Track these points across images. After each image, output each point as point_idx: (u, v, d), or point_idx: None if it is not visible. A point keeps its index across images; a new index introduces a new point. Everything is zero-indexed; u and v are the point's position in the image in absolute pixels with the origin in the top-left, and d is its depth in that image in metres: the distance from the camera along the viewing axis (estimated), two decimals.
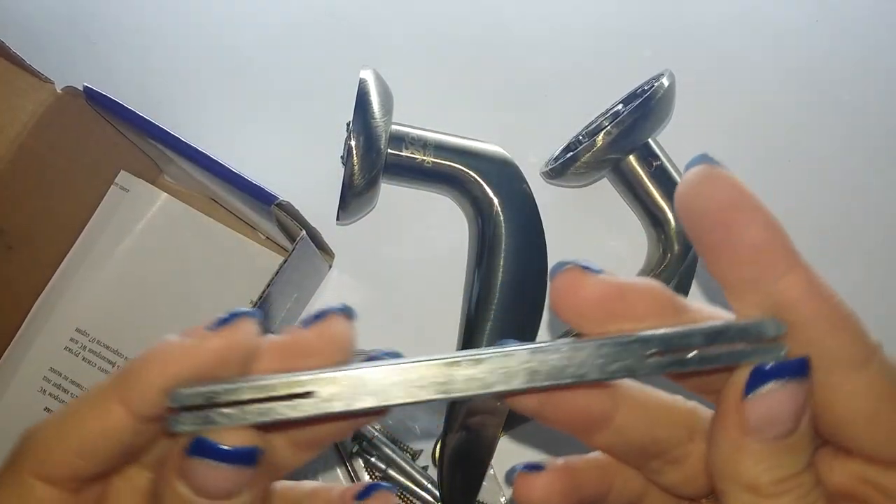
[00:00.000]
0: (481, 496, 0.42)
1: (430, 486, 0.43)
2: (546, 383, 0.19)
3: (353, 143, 0.41)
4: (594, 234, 0.48)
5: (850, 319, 0.20)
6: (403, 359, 0.20)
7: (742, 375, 0.19)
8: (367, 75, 0.43)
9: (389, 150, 0.43)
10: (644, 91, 0.44)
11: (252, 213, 0.43)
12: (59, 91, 0.42)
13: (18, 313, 0.47)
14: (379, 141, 0.42)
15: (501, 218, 0.43)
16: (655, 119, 0.43)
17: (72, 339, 0.47)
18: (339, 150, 0.45)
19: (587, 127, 0.47)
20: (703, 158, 0.20)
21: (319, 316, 0.21)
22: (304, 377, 0.19)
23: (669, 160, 0.45)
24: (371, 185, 0.42)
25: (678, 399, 0.22)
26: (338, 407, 0.19)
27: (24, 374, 0.47)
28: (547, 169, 0.46)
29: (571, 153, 0.44)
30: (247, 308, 0.21)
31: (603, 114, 0.47)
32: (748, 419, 0.19)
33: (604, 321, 0.20)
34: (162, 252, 0.48)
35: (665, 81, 0.43)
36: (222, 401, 0.19)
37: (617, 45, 0.51)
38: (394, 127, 0.43)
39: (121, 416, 0.19)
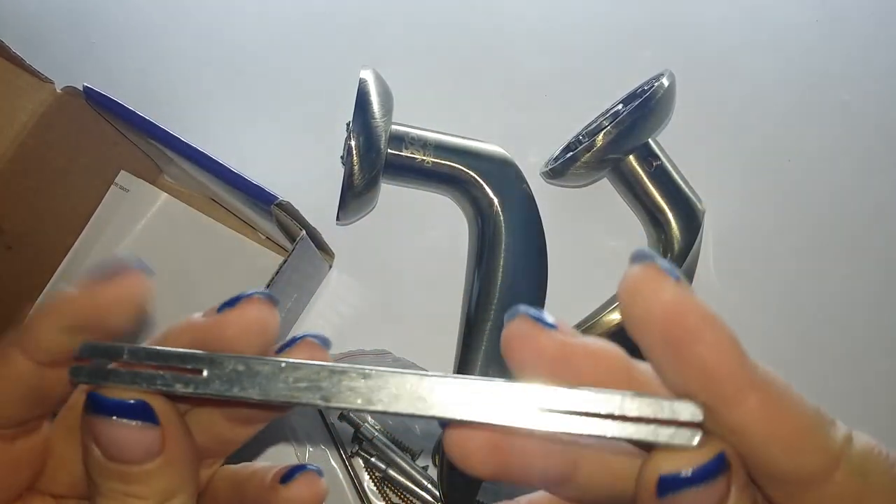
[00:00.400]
0: (481, 496, 0.42)
1: (430, 486, 0.43)
2: (431, 414, 0.19)
3: (353, 143, 0.41)
4: (594, 234, 0.48)
5: (810, 434, 0.18)
6: (299, 360, 0.19)
7: (653, 472, 0.18)
8: (367, 75, 0.43)
9: (389, 150, 0.43)
10: (644, 91, 0.44)
11: (252, 213, 0.43)
12: (59, 91, 0.42)
13: (18, 313, 0.47)
14: (379, 141, 0.42)
15: (501, 218, 0.43)
16: (655, 119, 0.43)
17: None
18: (339, 150, 0.45)
19: (587, 127, 0.47)
20: (642, 257, 0.18)
21: (236, 300, 0.21)
22: (198, 354, 0.19)
23: (669, 160, 0.45)
24: (371, 185, 0.42)
25: (640, 452, 0.21)
26: (217, 390, 0.19)
27: None
28: (547, 169, 0.46)
29: (571, 153, 0.44)
30: (132, 258, 0.21)
31: (603, 114, 0.47)
32: None
33: (548, 380, 0.19)
34: (162, 252, 0.48)
35: (665, 81, 0.43)
36: (121, 360, 0.19)
37: (617, 45, 0.51)
38: (394, 127, 0.43)
39: (20, 362, 0.20)
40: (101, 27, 0.52)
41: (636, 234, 0.47)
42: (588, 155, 0.43)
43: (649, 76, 0.46)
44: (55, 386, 0.21)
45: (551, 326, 0.19)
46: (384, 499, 0.43)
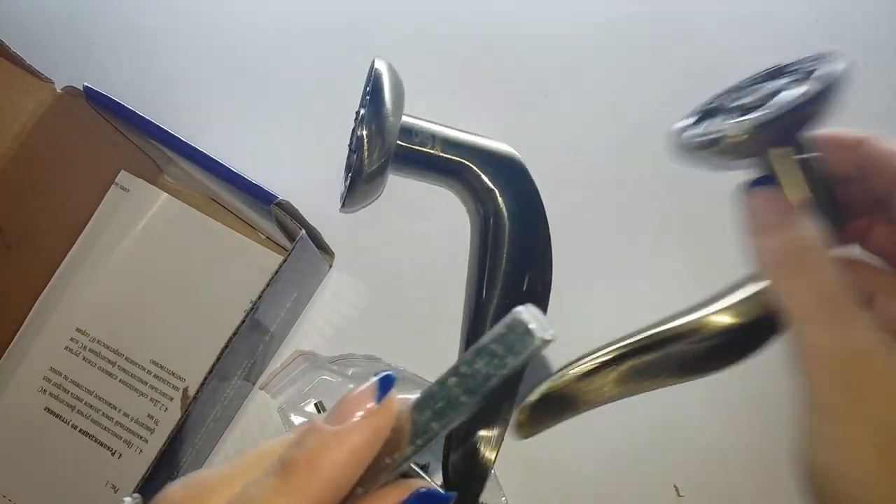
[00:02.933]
0: (481, 496, 0.42)
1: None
2: None
3: (364, 131, 0.41)
4: (595, 234, 0.48)
5: None
6: None
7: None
8: (381, 65, 0.43)
9: (398, 141, 0.43)
10: (812, 69, 0.31)
11: (252, 213, 0.43)
12: (59, 91, 0.42)
13: (18, 313, 0.47)
14: (391, 126, 0.41)
15: (505, 214, 0.43)
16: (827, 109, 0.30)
17: (72, 339, 0.47)
18: (340, 151, 0.45)
19: (750, 88, 0.35)
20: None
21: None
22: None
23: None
24: (381, 171, 0.42)
25: None
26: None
27: (25, 374, 0.47)
28: (696, 141, 0.32)
29: (716, 130, 0.31)
30: (388, 370, 0.22)
31: (754, 79, 0.36)
32: None
33: None
34: (162, 252, 0.48)
35: (842, 65, 0.29)
36: None
37: (617, 46, 0.51)
38: (403, 118, 0.43)
39: None
40: (101, 27, 0.52)
41: (639, 233, 0.47)
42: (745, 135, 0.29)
43: (649, 75, 0.46)
44: None
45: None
46: None
